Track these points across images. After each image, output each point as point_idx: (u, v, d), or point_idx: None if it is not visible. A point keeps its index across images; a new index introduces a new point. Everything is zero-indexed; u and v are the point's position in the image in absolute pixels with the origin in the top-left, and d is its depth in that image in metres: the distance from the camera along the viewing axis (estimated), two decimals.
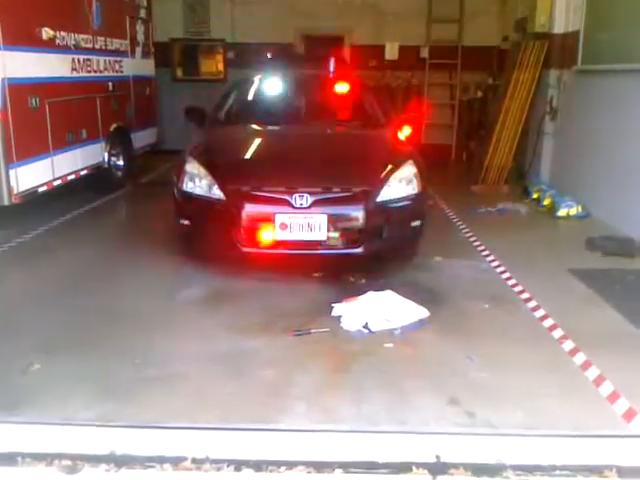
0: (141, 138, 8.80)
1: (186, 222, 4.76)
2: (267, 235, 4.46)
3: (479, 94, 10.53)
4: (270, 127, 5.65)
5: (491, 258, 5.35)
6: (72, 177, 6.70)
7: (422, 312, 4.05)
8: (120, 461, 2.51)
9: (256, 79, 6.36)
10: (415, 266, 5.09)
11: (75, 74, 6.78)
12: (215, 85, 10.60)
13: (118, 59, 7.98)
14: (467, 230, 6.32)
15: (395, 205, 4.65)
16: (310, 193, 4.43)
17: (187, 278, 4.84)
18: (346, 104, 6.21)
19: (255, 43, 10.41)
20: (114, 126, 7.73)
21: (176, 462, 2.51)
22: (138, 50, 8.74)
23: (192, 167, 4.75)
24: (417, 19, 10.71)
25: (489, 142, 8.41)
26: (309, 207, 4.42)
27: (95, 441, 2.60)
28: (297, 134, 5.41)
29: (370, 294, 4.22)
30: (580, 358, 3.45)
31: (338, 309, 4.06)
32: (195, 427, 2.72)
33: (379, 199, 4.57)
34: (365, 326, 3.86)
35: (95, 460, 2.51)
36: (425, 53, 10.74)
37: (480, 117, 10.18)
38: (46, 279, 4.75)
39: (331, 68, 6.45)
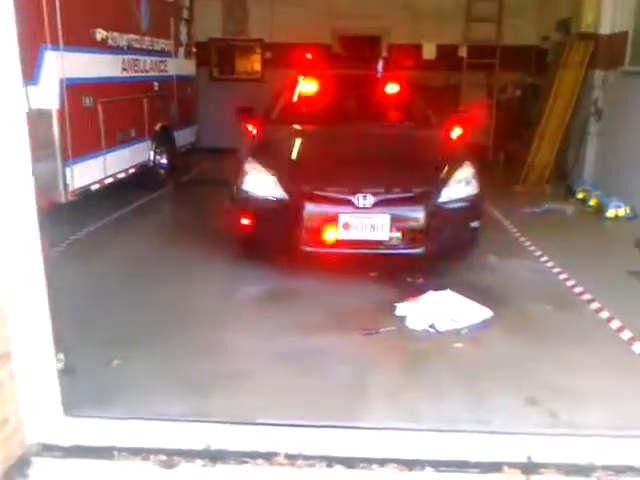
0: (183, 137, 8.91)
1: (247, 222, 4.78)
2: (330, 235, 4.48)
3: (517, 93, 10.47)
4: (325, 127, 5.64)
5: (545, 258, 5.34)
6: (122, 175, 6.79)
7: (485, 312, 4.06)
8: (215, 456, 2.56)
9: (307, 79, 6.36)
10: (470, 265, 5.10)
11: (125, 74, 6.88)
12: (252, 84, 10.71)
13: (163, 59, 8.08)
14: (515, 230, 6.30)
15: (455, 206, 4.66)
16: (373, 193, 4.46)
17: (248, 277, 4.89)
18: (398, 105, 6.21)
19: (293, 43, 10.44)
20: (159, 125, 7.83)
21: (269, 457, 2.56)
22: (181, 50, 8.84)
23: (252, 167, 4.79)
24: (455, 18, 10.67)
25: (531, 142, 8.38)
26: (371, 207, 4.45)
27: (189, 436, 2.66)
28: (354, 134, 5.40)
29: (431, 293, 4.24)
30: None
31: (401, 309, 4.09)
32: (285, 424, 2.76)
33: (440, 200, 4.60)
34: (431, 326, 3.88)
35: (190, 455, 2.56)
36: (463, 52, 10.65)
37: (519, 117, 10.12)
38: (107, 276, 4.82)
39: (379, 68, 6.44)
